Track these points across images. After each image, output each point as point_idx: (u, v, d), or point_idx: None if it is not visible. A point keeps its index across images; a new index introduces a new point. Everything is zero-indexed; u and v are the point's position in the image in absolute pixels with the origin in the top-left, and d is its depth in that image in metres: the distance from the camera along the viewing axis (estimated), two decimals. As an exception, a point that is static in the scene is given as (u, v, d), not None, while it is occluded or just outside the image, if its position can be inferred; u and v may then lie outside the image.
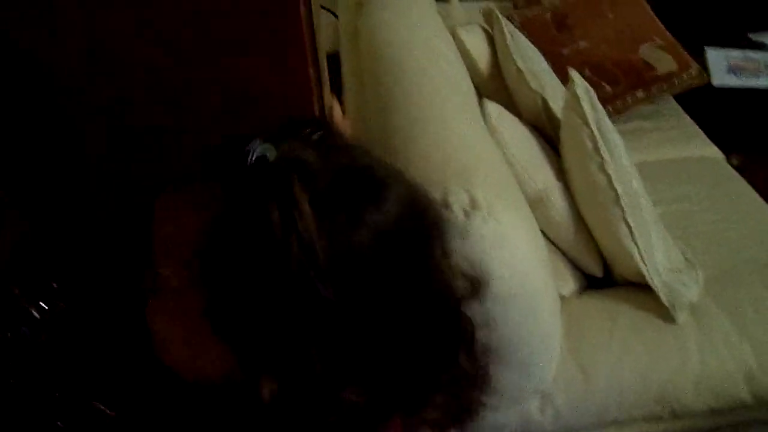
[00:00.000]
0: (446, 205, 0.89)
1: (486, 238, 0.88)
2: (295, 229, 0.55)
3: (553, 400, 1.14)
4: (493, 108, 1.42)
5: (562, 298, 1.26)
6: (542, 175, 1.38)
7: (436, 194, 0.89)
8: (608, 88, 2.04)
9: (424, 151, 0.99)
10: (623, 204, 1.28)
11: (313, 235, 0.55)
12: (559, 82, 1.76)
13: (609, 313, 1.25)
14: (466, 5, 2.44)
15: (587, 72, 2.03)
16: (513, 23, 2.18)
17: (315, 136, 0.63)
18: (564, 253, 1.36)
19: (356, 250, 0.58)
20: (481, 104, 1.40)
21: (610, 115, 1.93)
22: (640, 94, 2.07)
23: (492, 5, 2.29)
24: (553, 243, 1.36)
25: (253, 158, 0.58)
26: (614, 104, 2.03)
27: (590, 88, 1.47)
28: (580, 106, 1.39)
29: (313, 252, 0.55)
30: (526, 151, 1.41)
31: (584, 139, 1.36)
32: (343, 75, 1.63)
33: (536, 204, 1.33)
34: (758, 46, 2.59)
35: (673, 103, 2.21)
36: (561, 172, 1.42)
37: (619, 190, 1.29)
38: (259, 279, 0.57)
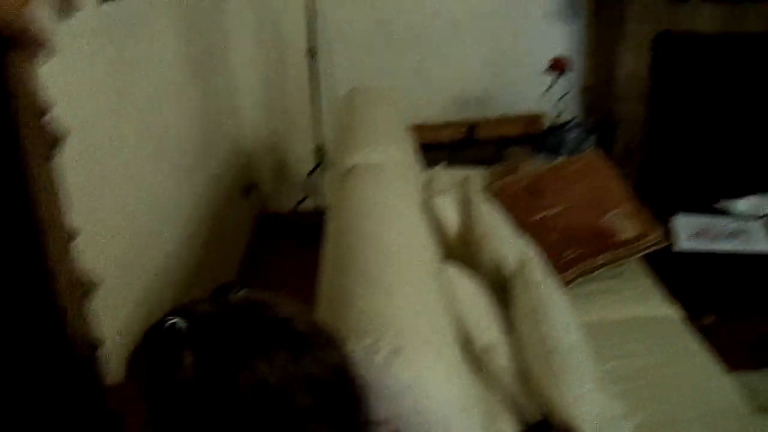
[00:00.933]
0: (375, 350, 1.07)
1: (403, 381, 1.05)
2: (177, 382, 0.79)
3: None
4: (452, 269, 1.63)
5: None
6: (491, 329, 1.57)
7: (368, 340, 1.08)
8: (574, 252, 2.25)
9: (363, 305, 1.19)
10: (560, 357, 1.46)
11: (192, 388, 0.79)
12: (522, 245, 1.97)
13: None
14: (453, 172, 2.71)
15: (555, 236, 2.25)
16: (490, 190, 2.43)
17: (236, 296, 0.86)
18: (507, 398, 1.52)
19: (234, 395, 0.79)
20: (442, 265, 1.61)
21: (575, 277, 2.15)
22: (604, 257, 2.27)
23: (473, 173, 2.56)
24: (499, 388, 1.53)
25: (166, 327, 0.82)
26: (581, 266, 2.23)
27: (540, 253, 1.68)
28: (529, 271, 1.59)
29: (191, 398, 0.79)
30: (478, 307, 1.60)
31: (530, 299, 1.55)
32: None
33: (484, 354, 1.51)
34: (725, 213, 2.82)
35: (636, 266, 2.40)
36: (510, 327, 1.61)
37: (558, 345, 1.47)
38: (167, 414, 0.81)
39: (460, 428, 1.12)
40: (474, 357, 1.49)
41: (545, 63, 3.31)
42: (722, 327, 2.78)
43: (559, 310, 1.57)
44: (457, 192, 2.14)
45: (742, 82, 3.56)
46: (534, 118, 3.54)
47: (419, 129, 3.27)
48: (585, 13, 3.60)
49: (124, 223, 1.85)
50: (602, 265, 2.28)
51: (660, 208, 2.80)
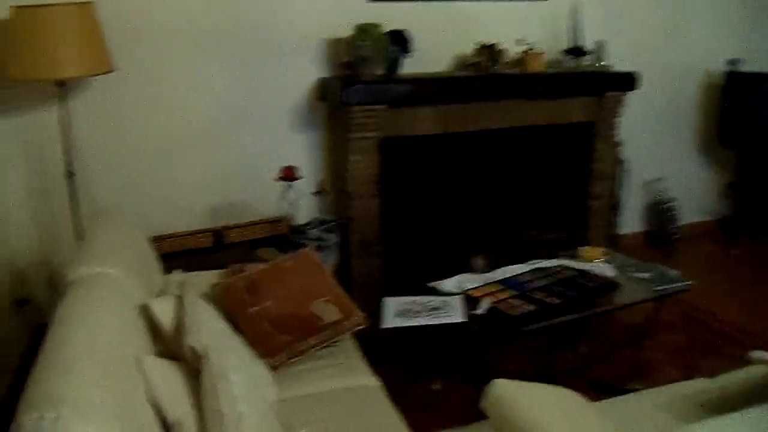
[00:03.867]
0: (39, 419, 1.38)
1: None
2: None
3: None
4: (149, 358, 1.95)
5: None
6: (182, 406, 1.89)
7: (34, 413, 1.39)
8: (285, 336, 2.61)
9: (43, 384, 1.50)
10: (230, 424, 1.80)
11: None
12: (231, 338, 2.32)
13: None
14: (189, 275, 3.04)
15: (267, 325, 2.62)
16: (216, 288, 2.78)
17: None
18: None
19: None
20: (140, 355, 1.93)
21: (287, 359, 2.51)
22: (312, 340, 2.65)
23: (202, 275, 2.91)
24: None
25: None
26: (290, 349, 2.60)
27: (253, 340, 2.03)
28: (209, 357, 1.94)
29: None
30: (171, 388, 1.93)
31: (208, 378, 1.90)
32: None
33: (174, 427, 1.84)
34: (432, 292, 3.32)
35: (348, 344, 2.81)
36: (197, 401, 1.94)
37: (228, 413, 1.81)
38: None
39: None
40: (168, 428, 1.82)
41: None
42: (449, 391, 3.27)
43: (233, 386, 1.91)
44: (174, 293, 2.46)
45: (454, 175, 4.21)
46: (278, 221, 3.94)
47: (168, 238, 3.60)
48: (321, 123, 4.11)
49: None
50: (313, 347, 2.66)
51: (383, 292, 3.27)
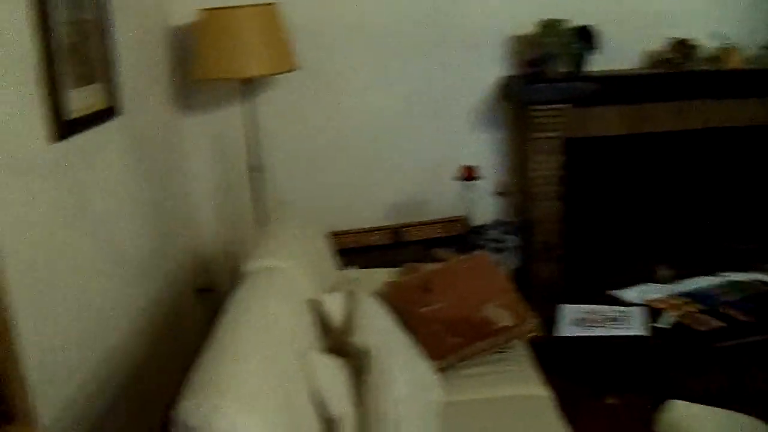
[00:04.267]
0: (197, 406, 1.42)
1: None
2: None
3: None
4: (314, 352, 1.97)
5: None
6: (343, 403, 1.90)
7: (194, 399, 1.43)
8: (455, 339, 2.57)
9: (208, 371, 1.55)
10: (387, 426, 1.78)
11: None
12: (398, 337, 2.31)
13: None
14: (364, 271, 3.07)
15: (438, 326, 2.59)
16: (388, 286, 2.79)
17: None
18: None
19: None
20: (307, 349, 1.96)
21: (455, 362, 2.47)
22: (482, 344, 2.59)
23: (385, 273, 2.93)
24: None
25: None
26: (460, 352, 2.56)
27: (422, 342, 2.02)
28: (378, 357, 1.94)
29: None
30: (334, 384, 1.94)
31: (373, 379, 1.89)
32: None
33: (334, 422, 1.85)
34: (612, 301, 3.15)
35: (520, 351, 2.72)
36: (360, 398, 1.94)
37: (387, 416, 1.80)
38: None
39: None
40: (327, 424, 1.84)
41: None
42: (624, 407, 3.10)
43: (397, 387, 1.89)
44: (346, 289, 2.49)
45: (641, 179, 3.98)
46: (456, 220, 3.90)
47: (347, 234, 3.66)
48: (503, 123, 4.02)
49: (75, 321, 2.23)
50: (483, 351, 2.60)
51: (562, 298, 3.15)
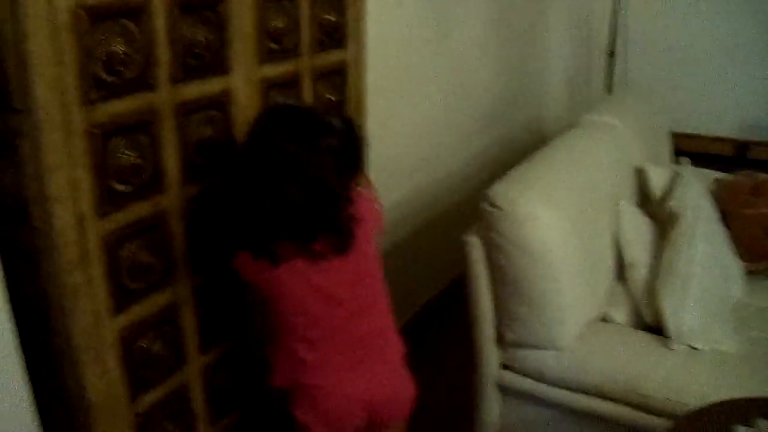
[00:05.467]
0: (506, 190, 1.57)
1: (523, 219, 1.55)
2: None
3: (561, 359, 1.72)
4: (623, 202, 2.03)
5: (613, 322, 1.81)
6: (639, 250, 1.95)
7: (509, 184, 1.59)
8: (773, 247, 2.44)
9: (520, 173, 1.71)
10: (675, 279, 1.81)
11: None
12: (714, 223, 2.26)
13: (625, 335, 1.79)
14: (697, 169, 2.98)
15: (759, 230, 2.47)
16: (720, 182, 2.70)
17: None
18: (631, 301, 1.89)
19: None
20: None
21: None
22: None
23: (713, 174, 2.83)
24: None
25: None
26: (772, 260, 2.43)
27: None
28: (686, 221, 1.95)
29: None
30: (635, 233, 1.99)
31: (675, 236, 1.91)
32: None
33: (627, 267, 1.91)
34: None
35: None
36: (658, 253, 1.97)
37: (678, 271, 1.82)
38: None
39: (561, 258, 1.58)
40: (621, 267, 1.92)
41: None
42: None
43: (695, 249, 1.90)
44: (673, 167, 2.46)
45: None
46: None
47: (689, 137, 3.53)
48: None
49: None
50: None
51: None
